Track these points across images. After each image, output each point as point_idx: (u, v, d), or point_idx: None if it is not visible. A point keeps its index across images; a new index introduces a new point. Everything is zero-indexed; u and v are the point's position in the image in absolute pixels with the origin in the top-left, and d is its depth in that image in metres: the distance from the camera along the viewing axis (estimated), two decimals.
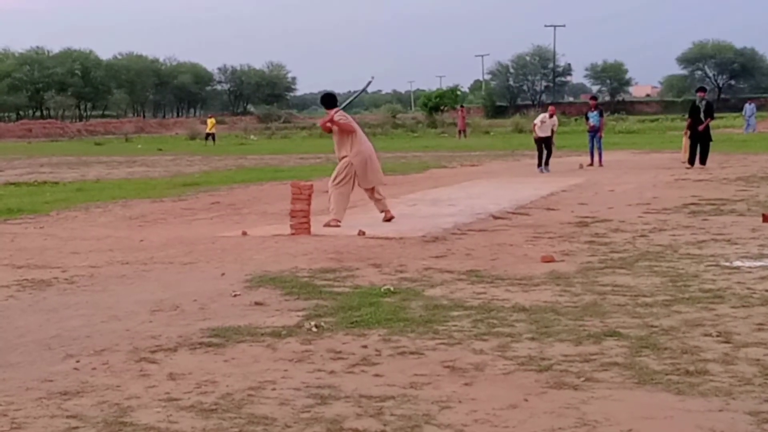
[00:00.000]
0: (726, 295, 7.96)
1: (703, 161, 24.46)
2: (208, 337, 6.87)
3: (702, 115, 24.78)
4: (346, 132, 13.48)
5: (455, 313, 7.48)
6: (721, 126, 60.80)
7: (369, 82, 15.97)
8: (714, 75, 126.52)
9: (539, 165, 25.23)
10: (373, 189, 13.57)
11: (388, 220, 13.43)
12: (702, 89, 27.97)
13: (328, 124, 13.63)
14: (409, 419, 4.91)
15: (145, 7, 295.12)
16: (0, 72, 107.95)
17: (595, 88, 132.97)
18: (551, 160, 25.66)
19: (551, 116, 26.39)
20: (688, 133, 25.15)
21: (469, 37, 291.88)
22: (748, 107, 54.35)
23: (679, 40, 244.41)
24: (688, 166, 24.28)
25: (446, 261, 10.17)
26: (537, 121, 26.54)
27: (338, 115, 13.51)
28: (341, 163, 13.50)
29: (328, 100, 13.89)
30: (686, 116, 26.22)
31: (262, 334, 6.91)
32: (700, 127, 24.64)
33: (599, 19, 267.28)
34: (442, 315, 7.42)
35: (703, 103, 25.31)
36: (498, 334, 6.74)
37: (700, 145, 24.67)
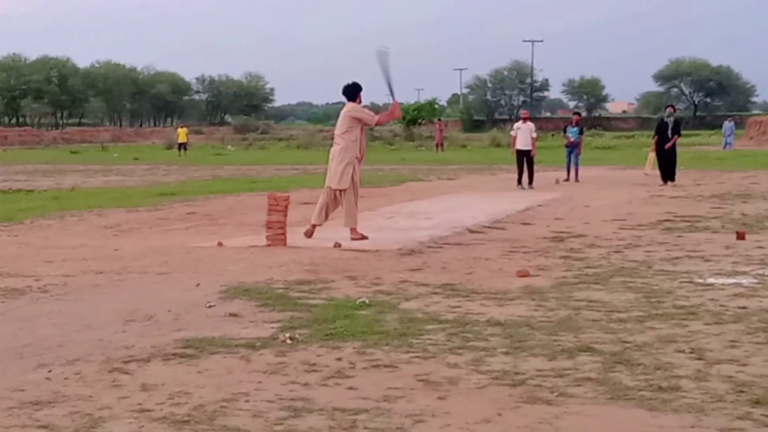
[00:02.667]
0: (699, 311, 7.98)
1: (672, 178, 24.59)
2: (181, 348, 6.83)
3: (669, 132, 24.94)
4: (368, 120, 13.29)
5: (430, 327, 7.47)
6: (696, 143, 61.34)
7: (383, 59, 13.80)
8: (690, 92, 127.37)
9: (519, 181, 24.43)
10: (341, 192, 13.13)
11: (307, 234, 13.05)
12: (671, 105, 28.12)
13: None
14: None
15: (123, 15, 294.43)
16: None
17: (572, 104, 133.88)
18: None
19: (525, 121, 25.38)
20: (655, 149, 25.32)
21: (448, 51, 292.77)
22: (728, 125, 54.75)
23: (656, 57, 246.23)
24: (662, 183, 24.40)
25: (422, 274, 10.16)
26: (513, 132, 25.51)
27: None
28: (337, 166, 13.12)
29: (356, 90, 13.36)
30: (653, 133, 26.21)
31: (236, 346, 6.88)
32: (668, 145, 24.82)
33: (577, 36, 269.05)
34: (417, 328, 7.40)
35: (671, 119, 25.47)
36: (472, 348, 6.74)
37: (667, 161, 24.80)
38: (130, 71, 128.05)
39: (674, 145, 24.97)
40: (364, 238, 12.76)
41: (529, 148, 24.64)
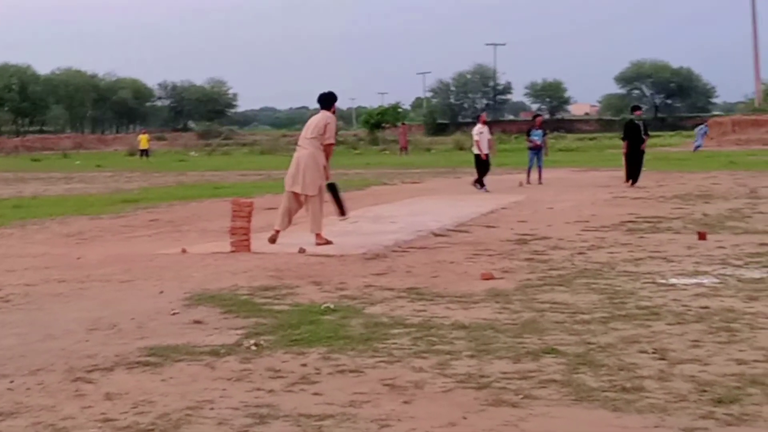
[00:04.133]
0: (662, 312, 8.04)
1: (636, 179, 24.77)
2: (145, 356, 6.79)
3: (642, 134, 25.16)
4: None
5: (395, 331, 7.47)
6: (658, 144, 61.78)
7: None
8: (651, 94, 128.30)
9: (481, 183, 24.50)
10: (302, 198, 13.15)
11: (271, 240, 12.98)
12: (639, 107, 28.29)
13: None
14: None
15: (84, 22, 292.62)
16: None
17: (534, 107, 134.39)
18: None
19: (482, 123, 25.43)
20: (627, 151, 25.40)
21: (411, 55, 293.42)
22: (703, 128, 55.60)
23: (617, 60, 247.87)
24: (627, 183, 24.56)
25: (387, 278, 10.16)
26: (478, 137, 25.16)
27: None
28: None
29: (328, 99, 13.42)
30: (623, 135, 26.21)
31: (201, 353, 6.85)
32: (643, 146, 25.07)
33: (539, 39, 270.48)
34: (382, 333, 7.40)
35: (641, 121, 25.70)
36: (437, 352, 6.75)
37: (637, 163, 24.99)
38: (91, 78, 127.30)
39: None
40: (328, 243, 12.76)
41: (487, 151, 24.98)
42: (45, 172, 41.54)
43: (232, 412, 5.39)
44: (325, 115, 13.25)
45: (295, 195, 13.03)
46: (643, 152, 25.20)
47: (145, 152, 54.32)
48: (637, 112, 26.75)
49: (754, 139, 57.63)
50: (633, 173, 24.90)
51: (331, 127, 13.18)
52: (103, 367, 6.53)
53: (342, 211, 13.99)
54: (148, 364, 6.58)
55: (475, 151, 24.99)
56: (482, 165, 24.69)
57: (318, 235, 12.87)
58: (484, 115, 26.96)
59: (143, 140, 56.42)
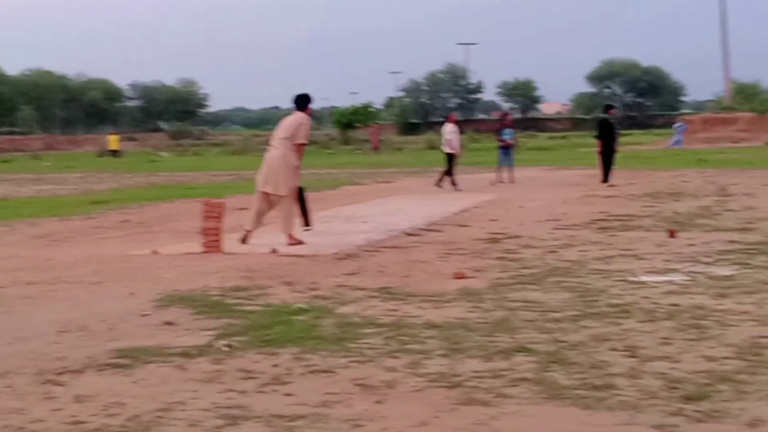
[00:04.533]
0: (632, 309, 8.07)
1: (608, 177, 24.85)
2: (116, 358, 6.75)
3: (615, 132, 25.27)
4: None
5: (367, 331, 7.47)
6: (629, 143, 62.05)
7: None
8: (622, 93, 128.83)
9: (453, 182, 24.48)
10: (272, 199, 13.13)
11: (243, 240, 12.95)
12: (613, 106, 28.40)
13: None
14: None
15: (53, 22, 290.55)
16: None
17: (506, 106, 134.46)
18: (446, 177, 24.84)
19: (452, 122, 25.71)
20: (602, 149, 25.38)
21: (383, 55, 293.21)
22: (682, 125, 55.94)
23: (588, 59, 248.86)
24: (611, 184, 24.47)
25: (359, 278, 10.16)
26: (450, 136, 25.26)
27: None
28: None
29: (303, 100, 13.43)
30: (597, 134, 26.13)
31: (172, 355, 6.82)
32: (616, 145, 25.17)
33: (511, 38, 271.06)
34: (354, 332, 7.40)
35: (615, 120, 25.82)
36: (409, 351, 6.75)
37: (608, 161, 25.04)
38: (61, 78, 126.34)
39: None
40: (300, 243, 12.73)
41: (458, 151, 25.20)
42: (14, 174, 41.18)
43: (203, 414, 5.37)
44: (299, 116, 13.22)
45: (267, 195, 12.98)
46: (615, 151, 25.31)
47: (115, 153, 54.03)
48: (612, 111, 26.84)
49: (723, 137, 57.96)
50: (604, 170, 24.95)
51: (305, 128, 13.15)
52: (73, 369, 6.49)
53: (307, 221, 14.03)
54: (118, 366, 6.55)
55: (447, 150, 25.00)
56: (451, 163, 24.74)
57: (290, 236, 12.84)
58: (454, 115, 27.01)
59: (113, 141, 56.11)
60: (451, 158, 24.81)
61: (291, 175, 12.95)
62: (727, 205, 17.47)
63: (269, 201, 13.01)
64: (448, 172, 24.72)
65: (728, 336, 6.99)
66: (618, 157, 25.90)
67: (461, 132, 25.79)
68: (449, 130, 25.28)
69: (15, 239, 14.78)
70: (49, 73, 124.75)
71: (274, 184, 12.88)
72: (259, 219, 13.11)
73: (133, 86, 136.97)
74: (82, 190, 28.12)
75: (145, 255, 12.28)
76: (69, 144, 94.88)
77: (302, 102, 13.39)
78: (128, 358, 6.73)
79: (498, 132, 28.29)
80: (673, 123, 63.33)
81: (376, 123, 66.59)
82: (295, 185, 13.08)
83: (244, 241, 12.81)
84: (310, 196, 14.73)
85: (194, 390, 5.88)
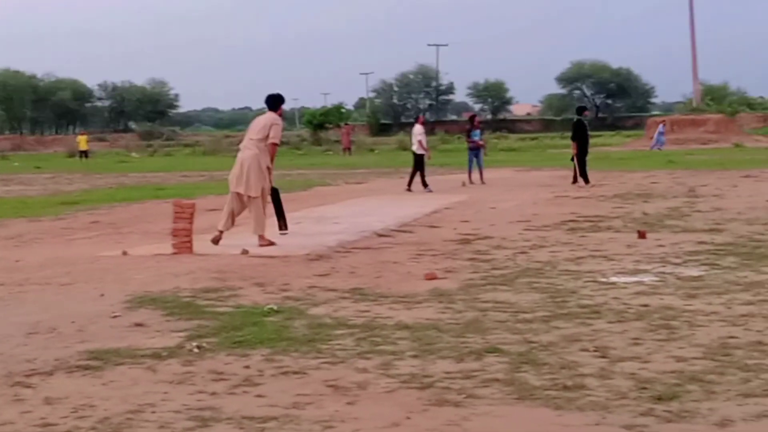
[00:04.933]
0: (603, 310, 8.09)
1: (577, 179, 24.89)
2: (86, 360, 6.71)
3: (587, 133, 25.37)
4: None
5: (339, 332, 7.45)
6: (599, 144, 62.36)
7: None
8: (591, 94, 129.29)
9: (425, 185, 24.36)
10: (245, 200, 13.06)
11: (214, 241, 12.91)
12: (586, 108, 28.55)
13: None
14: None
15: (22, 21, 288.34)
16: None
17: (477, 107, 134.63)
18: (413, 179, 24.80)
19: (421, 123, 25.86)
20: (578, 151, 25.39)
21: (354, 56, 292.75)
22: (661, 127, 56.15)
23: (558, 60, 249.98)
24: (593, 184, 24.52)
25: (330, 279, 10.13)
26: (420, 137, 25.15)
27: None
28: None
29: (275, 100, 13.44)
30: (572, 135, 26.11)
31: (142, 356, 6.78)
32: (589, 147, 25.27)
33: (481, 40, 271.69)
34: (325, 334, 7.38)
35: (587, 121, 25.92)
36: (381, 352, 6.74)
37: (581, 162, 25.07)
38: (29, 78, 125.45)
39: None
40: (271, 244, 12.70)
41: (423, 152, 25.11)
42: None
43: (173, 416, 5.34)
44: (271, 116, 13.19)
45: (239, 196, 12.93)
46: (587, 152, 25.42)
47: (84, 153, 53.65)
48: (586, 113, 26.94)
49: (692, 139, 58.38)
50: (583, 172, 24.96)
51: (277, 128, 13.11)
52: (43, 371, 6.44)
53: (283, 224, 14.00)
54: (88, 368, 6.50)
55: (419, 151, 24.98)
56: (422, 164, 24.74)
57: (261, 237, 12.81)
58: (423, 116, 27.06)
59: (82, 141, 55.70)
60: (421, 159, 24.80)
61: (263, 176, 12.91)
62: (696, 207, 17.59)
63: (241, 201, 12.97)
64: (420, 174, 24.67)
65: (697, 336, 7.03)
66: (588, 158, 25.97)
67: (431, 133, 25.73)
68: (419, 131, 25.26)
69: None
70: (18, 73, 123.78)
71: (245, 185, 12.82)
72: (231, 219, 13.06)
73: (103, 86, 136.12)
74: (51, 190, 27.93)
75: (116, 256, 12.19)
76: (37, 144, 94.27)
77: (274, 102, 13.36)
78: (98, 360, 6.68)
79: (468, 133, 28.33)
80: (644, 124, 63.69)
81: (348, 124, 66.47)
82: (267, 186, 13.04)
83: (216, 241, 12.77)
84: (282, 198, 14.66)
85: (165, 392, 5.85)
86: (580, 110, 27.76)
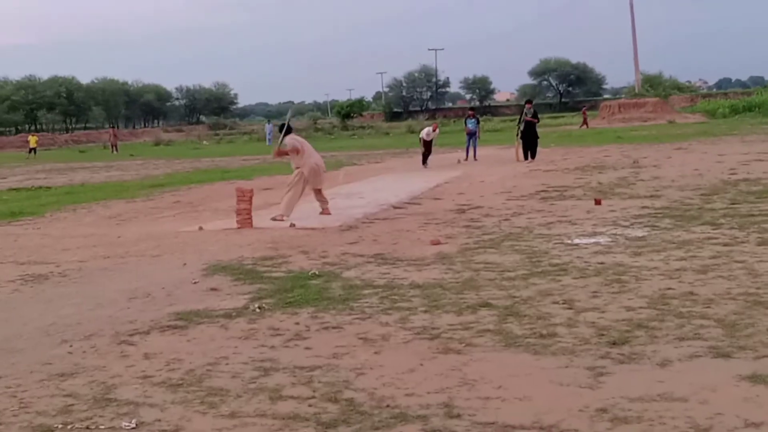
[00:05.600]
0: (569, 268, 8.02)
1: (534, 156, 24.60)
2: (174, 320, 6.72)
3: (528, 120, 24.96)
4: (294, 151, 13.15)
5: (366, 291, 7.43)
6: (562, 124, 61.91)
7: (289, 118, 14.97)
8: (556, 84, 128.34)
9: (424, 162, 24.54)
10: (318, 190, 13.35)
11: (324, 213, 13.13)
12: (529, 101, 28.25)
13: (279, 155, 13.51)
14: (332, 386, 4.88)
15: (116, 40, 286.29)
16: (0, 96, 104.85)
17: (468, 96, 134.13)
18: (430, 159, 24.94)
19: (434, 130, 25.63)
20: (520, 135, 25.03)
21: (372, 59, 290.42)
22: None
23: (530, 58, 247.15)
24: (528, 161, 24.17)
25: (358, 246, 10.08)
26: (423, 134, 25.38)
27: (288, 139, 13.21)
28: (293, 173, 13.17)
29: (285, 129, 13.51)
30: (519, 123, 25.88)
31: (217, 316, 6.79)
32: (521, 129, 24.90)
33: (470, 44, 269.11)
34: (356, 293, 7.36)
35: (531, 110, 25.59)
36: (399, 309, 6.72)
37: (531, 144, 24.80)
38: (122, 85, 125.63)
39: (535, 129, 25.09)
40: (282, 220, 12.51)
41: (430, 140, 24.94)
42: (89, 162, 40.87)
43: (242, 367, 5.36)
44: (291, 137, 13.29)
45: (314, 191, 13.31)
46: (531, 135, 24.87)
47: (33, 150, 52.04)
48: (528, 105, 26.64)
49: (635, 118, 57.74)
50: (532, 152, 24.71)
51: (289, 141, 13.18)
52: (142, 330, 6.47)
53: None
54: (176, 327, 6.53)
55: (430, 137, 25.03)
56: (426, 147, 24.69)
57: (281, 215, 12.65)
58: (435, 124, 26.97)
59: (32, 140, 54.10)
60: (429, 144, 24.77)
61: (313, 172, 13.12)
62: (639, 176, 17.42)
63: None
64: (427, 155, 24.67)
65: (642, 289, 6.97)
66: (554, 135, 25.73)
67: (432, 118, 25.81)
68: (425, 131, 25.38)
69: (92, 219, 14.66)
70: (113, 81, 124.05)
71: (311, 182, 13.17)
72: (320, 197, 13.39)
73: (179, 89, 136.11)
74: (142, 175, 27.91)
75: (193, 231, 12.19)
76: (130, 136, 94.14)
77: (287, 131, 13.37)
78: (183, 320, 6.70)
79: (465, 122, 28.50)
80: (598, 106, 62.83)
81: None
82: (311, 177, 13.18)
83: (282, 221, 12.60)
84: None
85: (235, 346, 5.86)
86: (526, 102, 27.53)
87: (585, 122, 54.21)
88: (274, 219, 12.54)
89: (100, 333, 6.46)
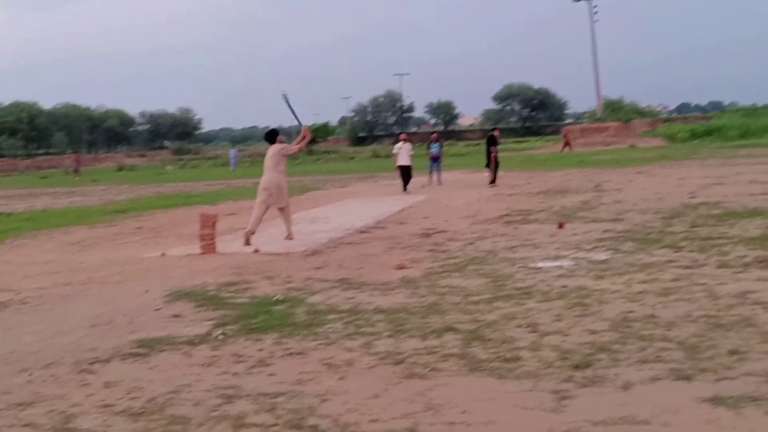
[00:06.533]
0: (532, 291, 8.04)
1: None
2: (136, 348, 6.65)
3: (496, 145, 25.18)
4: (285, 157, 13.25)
5: (331, 317, 7.40)
6: (526, 148, 62.50)
7: (286, 99, 13.97)
8: (519, 108, 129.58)
9: (405, 189, 24.13)
10: (280, 209, 13.18)
11: (288, 238, 12.98)
12: (497, 128, 28.46)
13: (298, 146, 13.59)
14: (296, 412, 4.85)
15: (78, 65, 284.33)
16: None
17: (432, 121, 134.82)
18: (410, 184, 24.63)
19: (404, 143, 25.39)
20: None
21: (337, 83, 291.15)
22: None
23: (494, 83, 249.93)
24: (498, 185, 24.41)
25: (323, 271, 10.05)
26: (395, 150, 25.28)
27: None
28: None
29: (274, 134, 13.57)
30: (488, 147, 25.96)
31: (180, 343, 6.73)
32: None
33: (434, 68, 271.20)
34: (320, 319, 7.33)
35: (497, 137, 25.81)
36: (364, 334, 6.70)
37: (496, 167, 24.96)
38: (85, 110, 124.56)
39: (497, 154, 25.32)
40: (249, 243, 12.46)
41: (408, 163, 24.67)
42: (52, 188, 40.32)
43: (205, 394, 5.31)
44: (276, 147, 13.27)
45: (278, 209, 13.16)
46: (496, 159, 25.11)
47: None
48: (497, 132, 26.80)
49: (597, 142, 58.46)
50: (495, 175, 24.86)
51: (286, 151, 13.32)
52: (103, 358, 6.38)
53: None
54: (138, 354, 6.45)
55: (408, 162, 24.75)
56: (402, 174, 24.57)
57: (291, 234, 13.01)
58: (404, 135, 26.93)
59: None
60: (409, 170, 24.58)
61: (288, 191, 13.31)
62: (601, 200, 17.57)
63: (267, 208, 13.05)
64: (407, 180, 24.49)
65: (605, 312, 7.01)
66: (517, 160, 25.89)
67: (403, 143, 25.47)
68: (396, 147, 25.21)
69: (54, 246, 14.44)
70: (75, 106, 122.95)
71: (283, 199, 13.10)
72: (259, 222, 13.01)
73: (143, 114, 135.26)
74: (105, 200, 27.58)
75: (156, 257, 12.08)
76: (93, 161, 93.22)
77: (272, 136, 13.44)
78: (145, 348, 6.63)
79: (428, 146, 28.43)
80: (560, 131, 63.41)
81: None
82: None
83: (248, 240, 12.52)
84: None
85: (198, 373, 5.81)
86: (492, 129, 27.70)
87: (567, 144, 54.00)
88: (290, 239, 12.84)
89: (61, 361, 6.36)
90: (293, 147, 13.45)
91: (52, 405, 5.26)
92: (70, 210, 23.53)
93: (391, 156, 27.17)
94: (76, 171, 54.14)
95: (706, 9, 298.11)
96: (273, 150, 13.18)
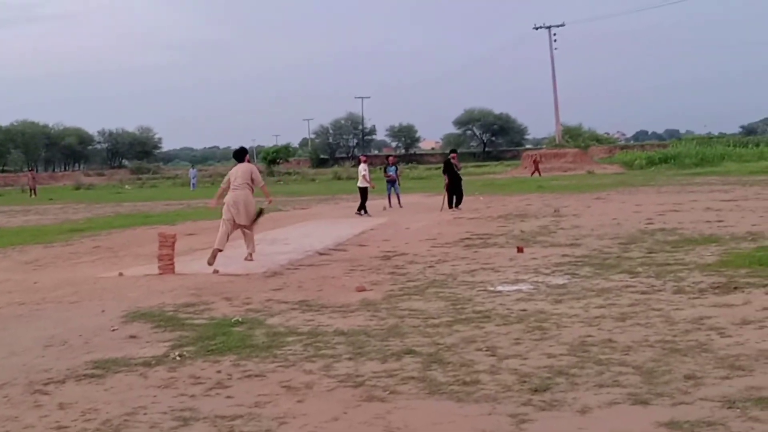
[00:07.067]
0: (492, 315, 8.06)
1: (459, 204, 24.88)
2: (91, 369, 6.54)
3: (455, 170, 25.30)
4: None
5: (290, 339, 7.36)
6: (486, 172, 62.97)
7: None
8: (480, 133, 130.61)
9: (362, 210, 23.82)
10: (244, 227, 13.09)
11: (248, 259, 12.92)
12: (455, 151, 28.59)
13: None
14: None
15: (38, 82, 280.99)
16: None
17: (394, 144, 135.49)
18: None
19: (364, 162, 25.40)
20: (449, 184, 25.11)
21: (298, 105, 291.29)
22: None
23: (455, 107, 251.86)
24: (453, 208, 24.43)
25: (283, 293, 10.00)
26: (365, 173, 24.88)
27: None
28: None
29: (243, 153, 13.54)
30: (443, 171, 26.08)
31: (136, 364, 6.63)
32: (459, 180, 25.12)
33: (396, 92, 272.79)
34: (280, 341, 7.28)
35: (455, 161, 25.95)
36: (323, 356, 6.67)
37: (457, 192, 25.07)
38: (43, 127, 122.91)
39: (460, 178, 25.40)
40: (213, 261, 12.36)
41: (364, 185, 24.63)
42: (6, 206, 39.64)
43: (161, 417, 5.23)
44: (248, 165, 13.32)
45: (239, 225, 13.02)
46: (459, 184, 25.20)
47: None
48: (454, 155, 26.99)
49: (556, 168, 59.14)
50: (458, 199, 24.95)
51: (257, 173, 13.33)
52: (57, 379, 6.27)
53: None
54: (93, 375, 6.34)
55: (363, 184, 24.67)
56: (365, 195, 24.58)
57: (252, 254, 13.05)
58: (364, 156, 26.93)
59: None
60: (365, 191, 24.53)
61: (254, 209, 13.17)
62: (559, 225, 17.71)
63: (235, 228, 13.01)
64: (363, 202, 24.45)
65: (563, 336, 7.05)
66: (478, 184, 26.04)
67: (357, 165, 25.42)
68: (364, 168, 25.16)
69: (8, 265, 14.19)
70: (33, 124, 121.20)
71: (246, 217, 12.99)
72: (226, 240, 12.91)
73: (101, 133, 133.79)
74: (61, 219, 27.18)
75: (113, 277, 11.93)
76: (50, 179, 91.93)
77: (241, 154, 13.47)
78: (101, 369, 6.52)
79: (384, 169, 28.50)
80: (520, 156, 64.01)
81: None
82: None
83: (214, 258, 12.38)
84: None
85: (154, 395, 5.73)
86: (451, 152, 27.86)
87: (537, 170, 54.61)
88: (250, 260, 12.84)
89: (14, 382, 6.24)
90: (262, 182, 13.34)
91: (5, 426, 5.14)
92: (25, 229, 23.14)
93: (353, 178, 27.21)
94: (32, 189, 53.37)
95: (665, 46, 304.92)
96: (242, 169, 13.15)
